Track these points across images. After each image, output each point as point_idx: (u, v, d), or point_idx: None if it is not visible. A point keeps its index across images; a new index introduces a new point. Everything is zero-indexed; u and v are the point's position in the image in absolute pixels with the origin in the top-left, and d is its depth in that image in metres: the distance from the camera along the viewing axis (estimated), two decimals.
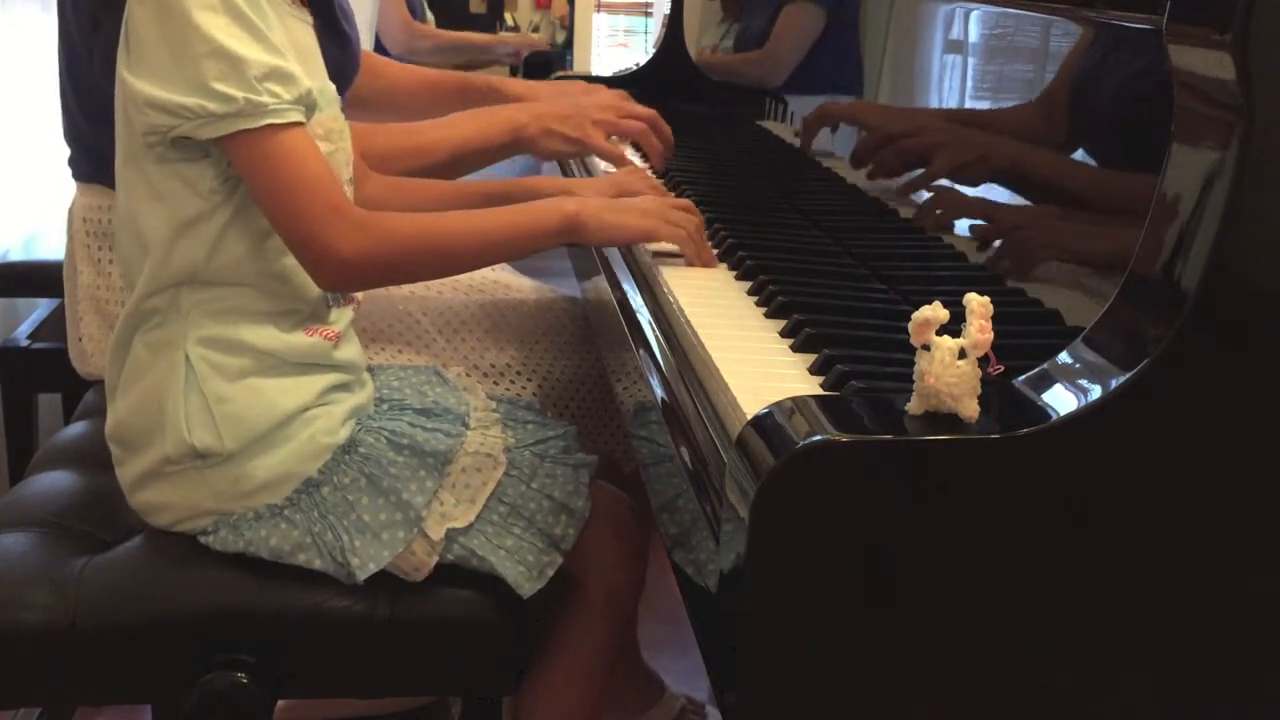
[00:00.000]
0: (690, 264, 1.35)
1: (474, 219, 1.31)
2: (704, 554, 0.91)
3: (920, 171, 1.38)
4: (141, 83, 1.15)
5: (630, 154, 1.78)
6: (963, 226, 1.25)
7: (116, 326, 1.24)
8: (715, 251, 1.39)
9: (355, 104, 1.62)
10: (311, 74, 1.23)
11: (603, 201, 1.37)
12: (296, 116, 1.16)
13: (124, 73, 1.17)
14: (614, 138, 1.68)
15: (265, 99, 1.14)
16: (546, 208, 1.33)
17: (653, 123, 1.69)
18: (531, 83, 1.92)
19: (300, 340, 1.23)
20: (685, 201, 1.42)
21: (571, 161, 1.98)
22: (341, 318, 1.28)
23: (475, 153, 1.62)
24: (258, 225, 1.20)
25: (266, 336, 1.21)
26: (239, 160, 1.16)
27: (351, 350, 1.30)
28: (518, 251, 1.36)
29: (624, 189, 1.47)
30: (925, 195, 1.35)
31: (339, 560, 1.20)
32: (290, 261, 1.21)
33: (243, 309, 1.21)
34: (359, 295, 1.36)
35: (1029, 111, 1.16)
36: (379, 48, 3.09)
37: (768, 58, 1.98)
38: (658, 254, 1.37)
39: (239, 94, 1.13)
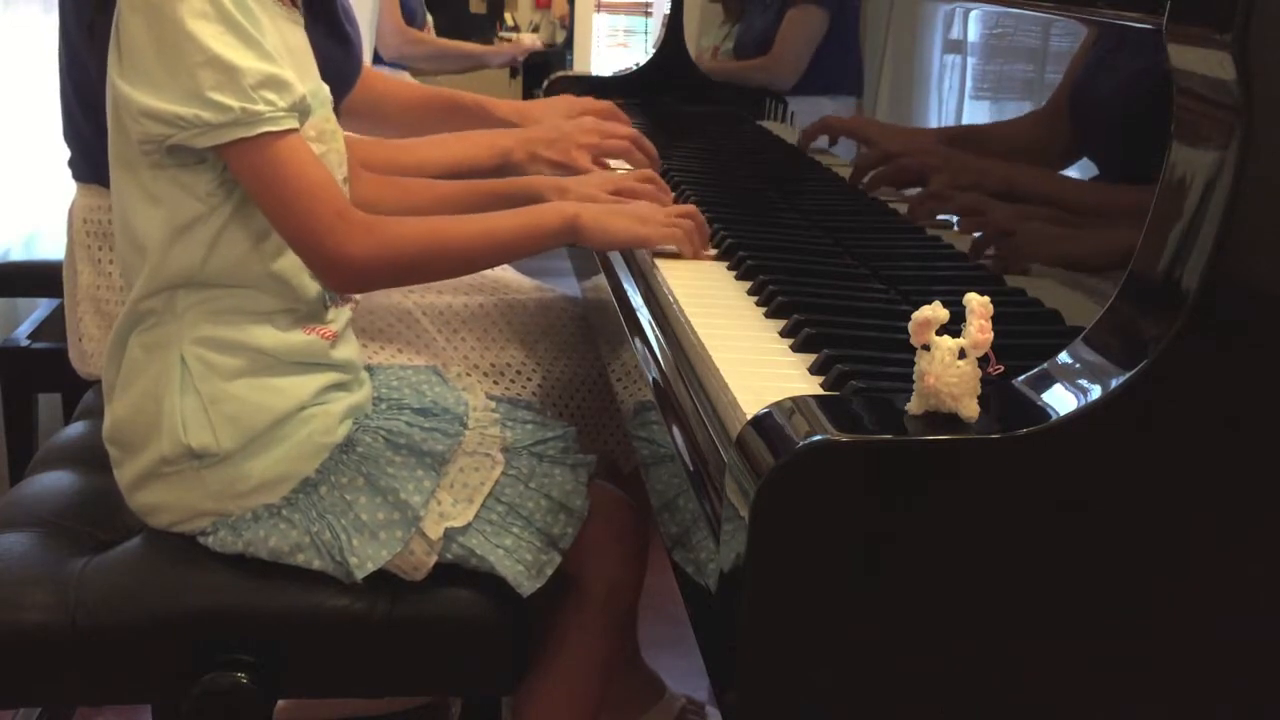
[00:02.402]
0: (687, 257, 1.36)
1: (477, 222, 1.32)
2: (704, 554, 0.91)
3: (919, 191, 1.38)
4: (136, 91, 1.15)
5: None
6: (962, 226, 1.25)
7: (113, 328, 1.25)
8: (714, 252, 1.39)
9: (344, 113, 1.63)
10: (303, 76, 1.23)
11: (603, 205, 1.38)
12: (292, 123, 1.17)
13: (117, 80, 1.17)
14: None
15: (261, 107, 1.14)
16: (548, 210, 1.34)
17: (635, 141, 1.70)
18: (520, 104, 1.93)
19: (297, 339, 1.23)
20: (688, 208, 1.42)
21: None
22: (339, 317, 1.28)
23: (464, 174, 1.63)
24: (254, 227, 1.20)
25: (263, 336, 1.21)
26: (239, 168, 1.16)
27: (349, 349, 1.30)
28: (519, 253, 1.37)
29: (620, 185, 1.48)
30: (927, 199, 1.35)
31: (337, 560, 1.20)
32: (287, 262, 1.22)
33: (239, 309, 1.21)
34: (357, 295, 1.36)
35: (1027, 112, 1.16)
36: (373, 52, 3.09)
37: (774, 62, 1.98)
38: (656, 252, 1.37)
39: (235, 103, 1.13)
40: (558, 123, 1.73)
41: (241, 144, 1.14)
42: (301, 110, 1.18)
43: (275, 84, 1.15)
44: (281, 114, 1.15)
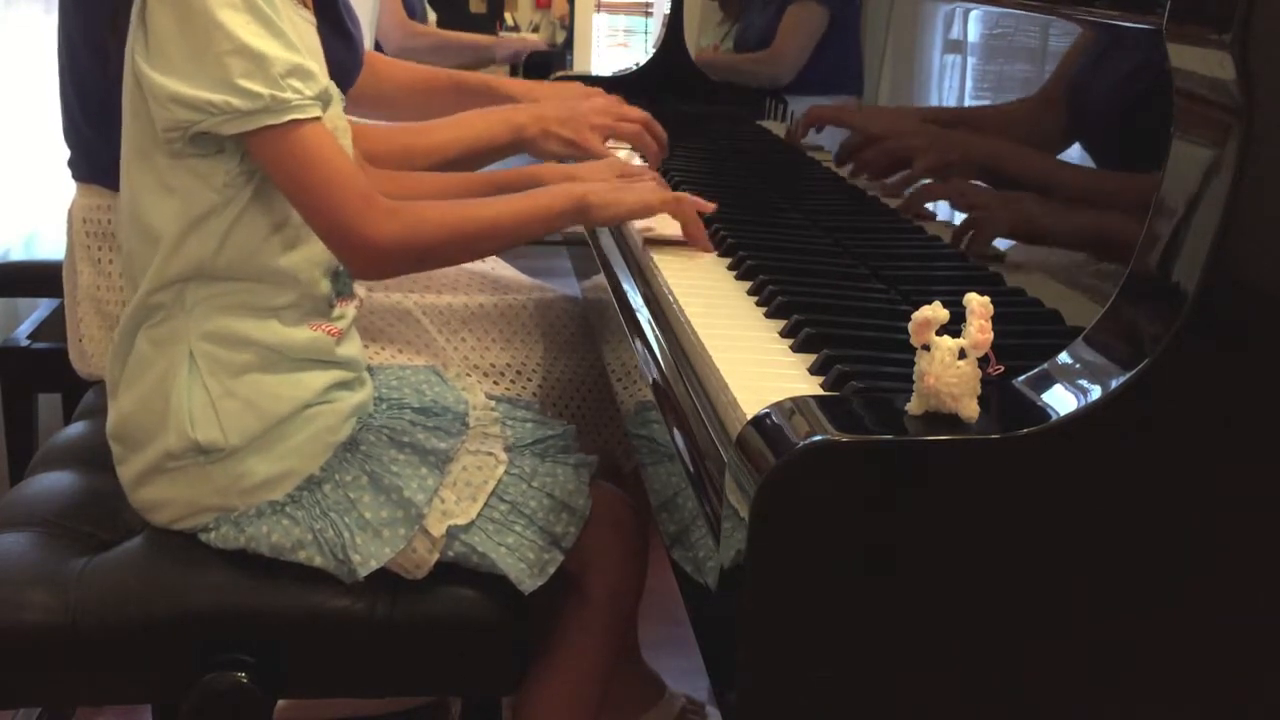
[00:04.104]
0: (688, 243, 1.38)
1: (491, 205, 1.34)
2: (704, 553, 0.91)
3: (906, 174, 1.38)
4: (164, 78, 1.16)
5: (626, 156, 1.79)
6: (961, 226, 1.25)
7: (120, 323, 1.25)
8: (714, 252, 1.40)
9: (350, 100, 1.63)
10: None
11: (609, 184, 1.41)
12: (317, 112, 1.18)
13: (143, 67, 1.18)
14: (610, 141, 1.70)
15: (289, 95, 1.15)
16: (556, 192, 1.36)
17: (647, 125, 1.71)
18: (528, 82, 1.94)
19: (303, 335, 1.24)
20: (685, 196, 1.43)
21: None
22: (345, 314, 1.29)
23: (479, 153, 1.64)
24: (266, 220, 1.21)
25: (269, 331, 1.22)
26: (265, 156, 1.18)
27: (353, 347, 1.31)
28: (531, 234, 1.41)
29: (624, 172, 1.50)
30: (925, 196, 1.35)
31: (340, 557, 1.20)
32: (296, 256, 1.23)
33: (247, 304, 1.22)
34: (361, 293, 1.37)
35: (1028, 112, 1.16)
36: (375, 46, 3.09)
37: (773, 58, 1.98)
38: (649, 240, 1.38)
39: (264, 90, 1.14)
40: (572, 102, 1.73)
41: (268, 131, 1.15)
42: (325, 100, 1.20)
43: (302, 73, 1.17)
44: (308, 102, 1.17)
